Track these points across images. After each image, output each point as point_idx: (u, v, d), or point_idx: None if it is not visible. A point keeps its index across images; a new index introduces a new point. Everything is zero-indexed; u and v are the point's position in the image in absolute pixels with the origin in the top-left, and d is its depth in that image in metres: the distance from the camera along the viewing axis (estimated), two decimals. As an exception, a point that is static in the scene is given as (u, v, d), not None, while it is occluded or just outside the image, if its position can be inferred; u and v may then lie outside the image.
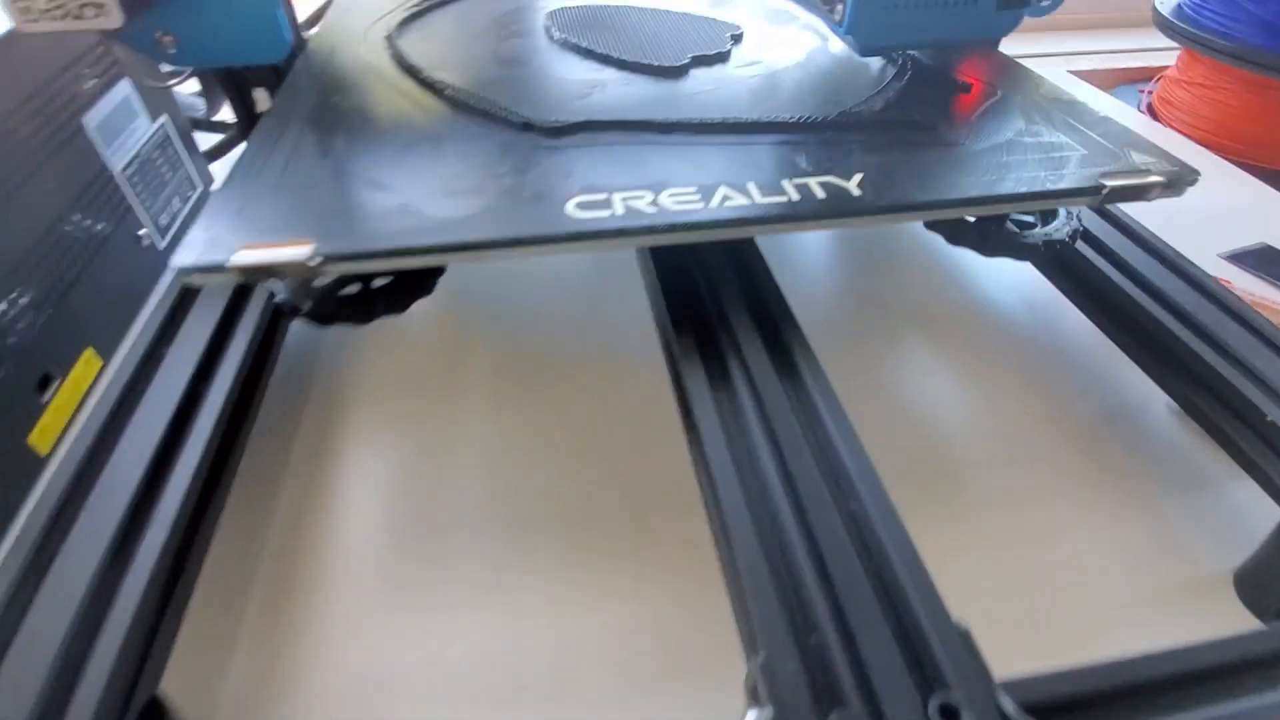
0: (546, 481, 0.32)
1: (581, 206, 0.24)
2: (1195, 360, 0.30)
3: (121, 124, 0.43)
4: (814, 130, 0.30)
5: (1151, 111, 0.80)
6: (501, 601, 0.28)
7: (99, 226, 0.40)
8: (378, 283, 0.28)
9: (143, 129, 0.45)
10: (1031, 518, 0.32)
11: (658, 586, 0.28)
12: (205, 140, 0.51)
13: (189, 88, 0.48)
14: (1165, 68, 0.81)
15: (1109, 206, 0.38)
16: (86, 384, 0.38)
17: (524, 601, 0.28)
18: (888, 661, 0.18)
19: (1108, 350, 0.35)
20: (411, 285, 0.28)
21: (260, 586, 0.29)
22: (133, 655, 0.21)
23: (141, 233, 0.44)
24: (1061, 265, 0.37)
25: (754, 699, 0.18)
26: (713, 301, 0.27)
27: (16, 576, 0.21)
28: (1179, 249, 0.36)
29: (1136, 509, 0.32)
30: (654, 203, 0.25)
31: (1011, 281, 0.44)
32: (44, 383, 0.35)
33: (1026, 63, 0.38)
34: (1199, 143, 0.69)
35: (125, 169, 0.43)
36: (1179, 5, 0.73)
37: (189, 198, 0.49)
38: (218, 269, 0.22)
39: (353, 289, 0.27)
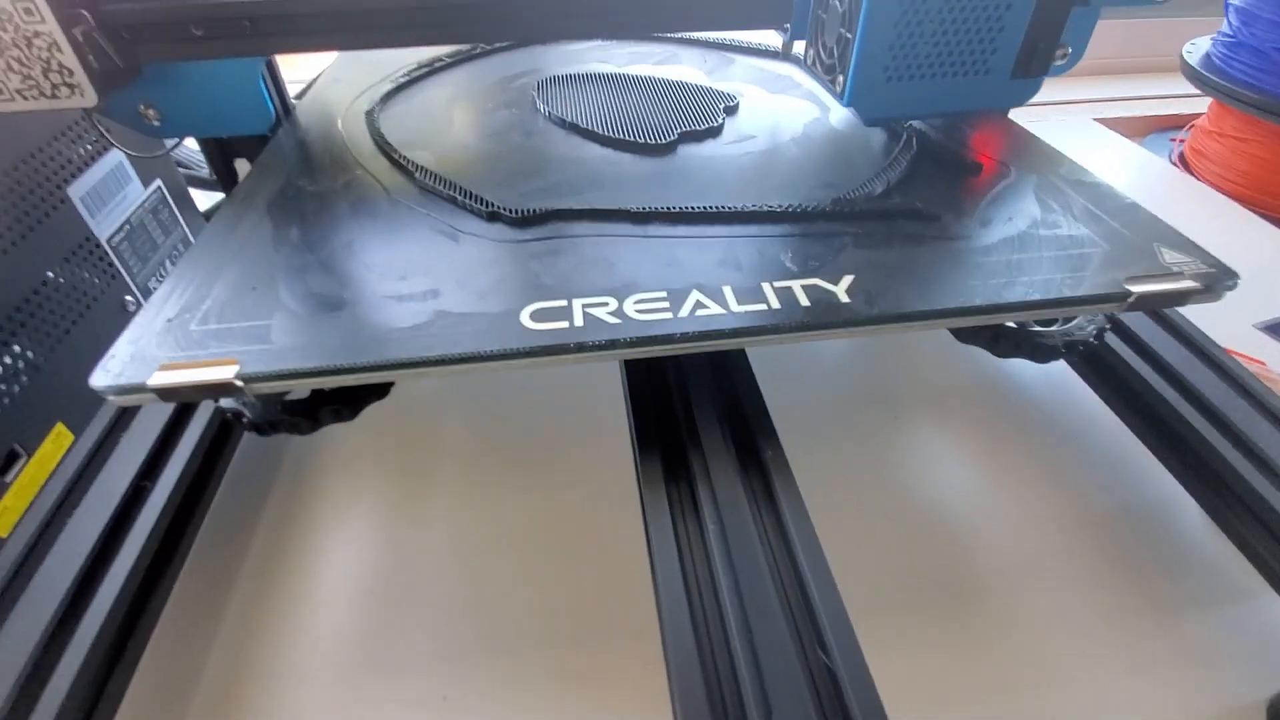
0: (509, 595, 0.30)
1: (538, 316, 0.22)
2: (1226, 468, 0.27)
3: (112, 191, 0.43)
4: (805, 220, 0.28)
5: (1184, 162, 0.76)
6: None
7: (83, 294, 0.39)
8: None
9: (135, 194, 0.45)
10: (1043, 636, 0.28)
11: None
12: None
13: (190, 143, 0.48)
14: (1198, 115, 0.78)
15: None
16: (55, 461, 0.37)
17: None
18: None
19: (1135, 438, 0.32)
20: (363, 391, 0.26)
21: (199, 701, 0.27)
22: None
23: (128, 299, 0.43)
24: (1086, 359, 0.34)
25: None
26: (685, 413, 0.25)
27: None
28: (1212, 318, 0.33)
29: (1162, 625, 0.29)
30: (617, 312, 0.22)
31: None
32: (9, 461, 0.34)
33: (1050, 110, 0.36)
34: (1233, 196, 0.65)
35: (113, 236, 0.42)
36: (1207, 55, 0.70)
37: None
38: (137, 389, 0.20)
39: (301, 394, 0.26)
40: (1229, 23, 0.67)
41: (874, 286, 0.24)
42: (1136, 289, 0.24)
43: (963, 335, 0.29)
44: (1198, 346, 0.32)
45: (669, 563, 0.21)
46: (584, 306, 0.23)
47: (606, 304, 0.23)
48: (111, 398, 0.20)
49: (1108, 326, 0.30)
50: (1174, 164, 0.75)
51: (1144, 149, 0.73)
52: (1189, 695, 0.26)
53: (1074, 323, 0.29)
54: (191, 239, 0.49)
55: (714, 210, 0.28)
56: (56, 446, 0.37)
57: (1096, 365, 0.34)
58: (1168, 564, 0.31)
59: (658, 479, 0.23)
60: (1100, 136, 0.73)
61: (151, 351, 0.21)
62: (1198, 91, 0.71)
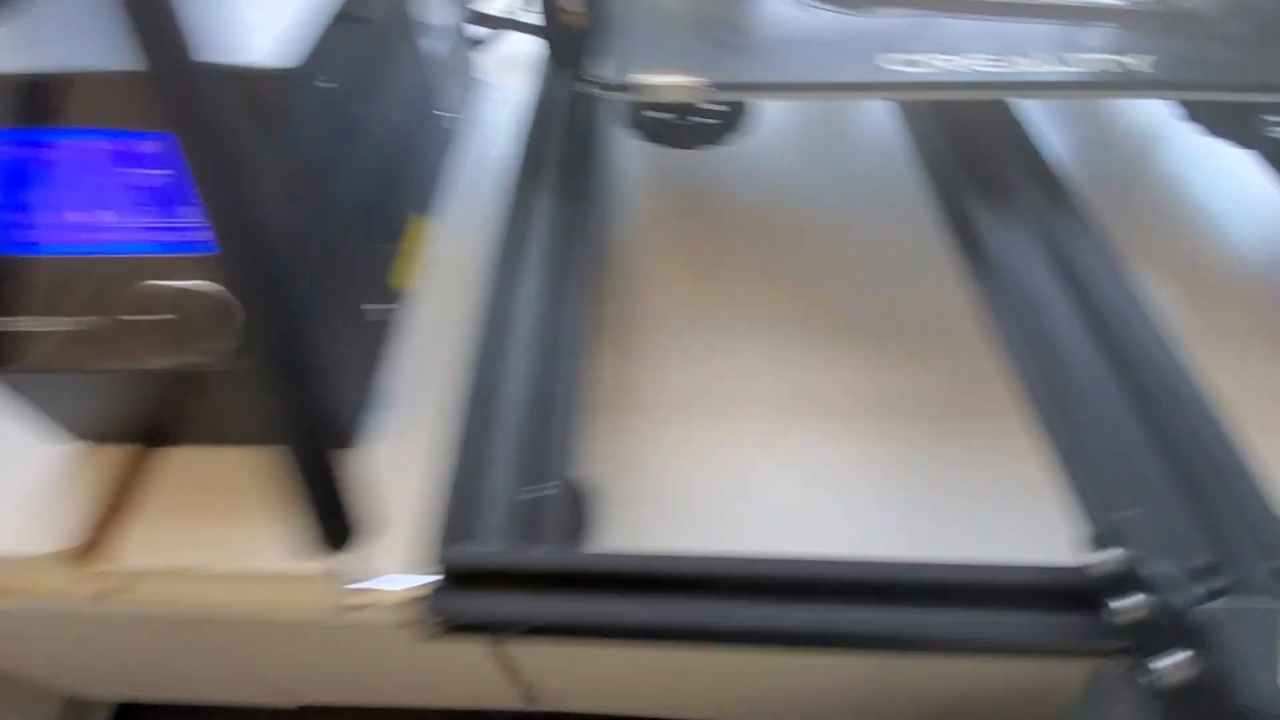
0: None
1: (891, 63, 0.31)
2: None
3: (429, 19, 0.50)
4: (1123, 16, 0.34)
5: None
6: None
7: (420, 107, 0.48)
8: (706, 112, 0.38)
9: (442, 22, 0.52)
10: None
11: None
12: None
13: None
14: None
15: None
16: (426, 236, 0.46)
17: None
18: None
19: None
20: (731, 119, 0.37)
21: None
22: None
23: (442, 112, 0.51)
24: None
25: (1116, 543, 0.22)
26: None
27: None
28: None
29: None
30: (956, 63, 0.31)
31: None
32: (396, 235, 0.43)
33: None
34: None
35: (431, 58, 0.50)
36: None
37: (468, 84, 0.57)
38: (627, 87, 0.31)
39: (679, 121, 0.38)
40: None
41: (1168, 63, 0.31)
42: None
43: (1216, 129, 0.36)
44: None
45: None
46: (930, 59, 0.31)
47: (950, 60, 0.32)
48: (609, 95, 0.32)
49: None
50: None
51: None
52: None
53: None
54: (473, 67, 0.57)
55: (1038, 3, 0.35)
56: (422, 226, 0.46)
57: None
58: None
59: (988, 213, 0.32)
60: None
61: (625, 73, 0.32)
62: None
